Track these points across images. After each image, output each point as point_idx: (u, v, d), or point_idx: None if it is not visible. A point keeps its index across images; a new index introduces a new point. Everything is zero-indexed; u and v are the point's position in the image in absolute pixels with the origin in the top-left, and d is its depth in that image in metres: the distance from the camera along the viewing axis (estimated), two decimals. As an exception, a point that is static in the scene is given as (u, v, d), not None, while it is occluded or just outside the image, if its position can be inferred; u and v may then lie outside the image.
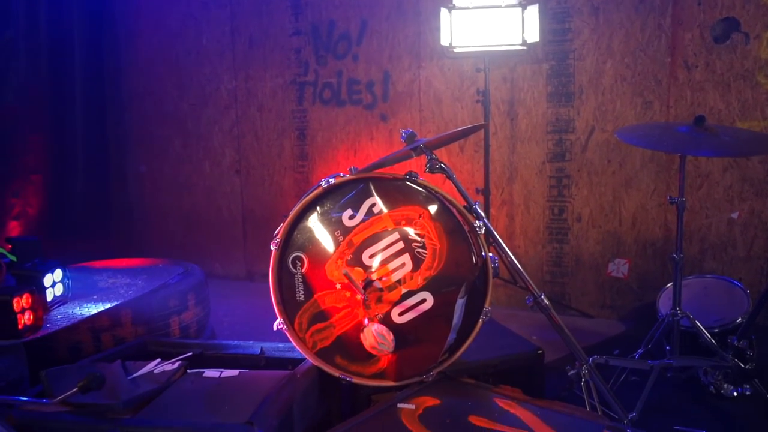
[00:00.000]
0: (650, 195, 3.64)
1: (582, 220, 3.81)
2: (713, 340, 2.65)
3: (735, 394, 2.66)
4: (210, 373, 2.13)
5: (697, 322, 2.68)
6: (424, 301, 2.08)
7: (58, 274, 2.71)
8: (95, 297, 2.79)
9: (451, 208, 2.11)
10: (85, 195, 4.90)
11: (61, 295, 2.73)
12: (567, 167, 3.82)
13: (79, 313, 2.59)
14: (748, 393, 2.65)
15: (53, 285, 2.67)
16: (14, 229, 4.51)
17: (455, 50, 3.52)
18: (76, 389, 1.66)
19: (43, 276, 2.59)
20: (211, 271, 4.62)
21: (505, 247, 2.20)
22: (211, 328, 3.29)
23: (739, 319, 2.76)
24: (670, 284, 2.90)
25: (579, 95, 3.74)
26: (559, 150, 3.83)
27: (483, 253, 2.12)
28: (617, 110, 3.66)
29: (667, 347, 2.74)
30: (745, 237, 3.45)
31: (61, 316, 2.53)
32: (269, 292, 2.16)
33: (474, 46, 3.49)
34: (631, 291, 3.74)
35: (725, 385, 2.68)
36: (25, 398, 1.78)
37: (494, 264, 2.16)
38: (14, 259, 2.70)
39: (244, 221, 4.86)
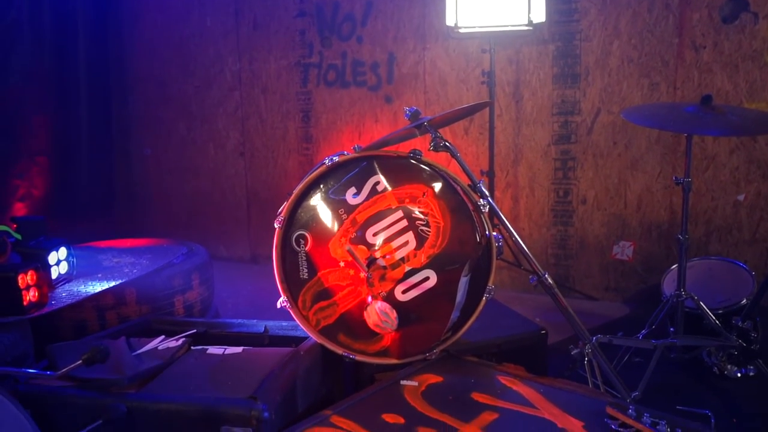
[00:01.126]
0: (656, 177, 3.62)
1: (587, 203, 3.80)
2: (717, 321, 2.64)
3: (739, 375, 2.66)
4: (214, 350, 2.14)
5: (701, 303, 2.67)
6: (427, 279, 2.08)
7: (63, 252, 2.72)
8: (100, 275, 2.80)
9: (455, 186, 2.10)
10: (89, 177, 4.91)
11: (65, 273, 2.74)
12: (572, 149, 3.80)
13: (83, 290, 2.60)
14: (752, 374, 2.65)
15: (58, 263, 2.69)
16: (20, 210, 4.52)
17: (460, 30, 3.49)
18: (80, 362, 1.67)
19: (48, 254, 2.60)
20: (215, 253, 4.63)
21: (509, 226, 2.19)
22: (215, 308, 3.30)
23: (744, 301, 2.75)
24: (674, 266, 2.89)
25: (585, 77, 3.71)
26: (564, 132, 3.80)
27: (487, 232, 2.12)
28: (624, 92, 3.63)
29: (671, 329, 2.73)
30: (751, 219, 3.43)
31: (65, 294, 2.54)
32: (273, 270, 2.16)
33: (479, 27, 3.46)
34: (635, 273, 3.73)
35: (729, 366, 2.68)
36: (29, 370, 1.79)
37: (498, 243, 2.16)
38: (19, 237, 2.71)
39: (249, 204, 4.86)
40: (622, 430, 1.57)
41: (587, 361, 2.18)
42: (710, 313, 2.65)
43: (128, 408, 1.74)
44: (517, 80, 3.87)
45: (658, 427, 1.48)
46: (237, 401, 1.71)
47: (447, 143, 2.19)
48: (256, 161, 4.79)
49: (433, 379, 1.97)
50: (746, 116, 2.55)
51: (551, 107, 3.81)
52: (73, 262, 2.78)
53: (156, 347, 2.12)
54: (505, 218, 2.22)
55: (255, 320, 2.47)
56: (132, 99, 5.14)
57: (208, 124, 4.90)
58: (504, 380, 1.94)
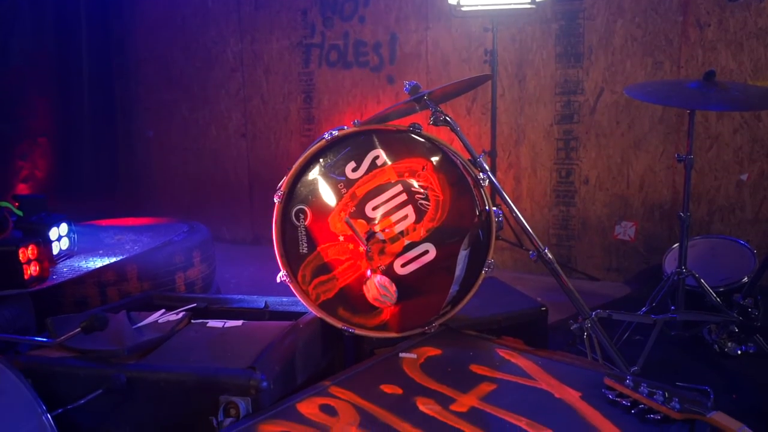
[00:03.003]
0: (659, 157, 3.60)
1: (589, 183, 3.79)
2: (718, 299, 2.64)
3: (739, 352, 2.66)
4: (214, 323, 2.14)
5: (702, 280, 2.66)
6: (426, 252, 2.08)
7: (64, 228, 2.73)
8: (101, 252, 2.81)
9: (455, 159, 2.09)
10: (92, 158, 4.92)
11: (67, 249, 2.75)
12: (575, 129, 3.78)
13: (84, 266, 2.62)
14: (752, 351, 2.65)
15: (59, 239, 2.69)
16: (23, 191, 4.54)
17: (462, 8, 3.46)
18: (78, 329, 1.67)
19: (49, 229, 2.61)
20: (218, 235, 4.64)
21: (509, 200, 2.18)
22: (217, 287, 3.31)
23: (745, 279, 2.75)
24: (676, 245, 2.88)
25: (588, 56, 3.69)
26: (567, 112, 3.78)
27: (487, 207, 2.11)
28: (627, 71, 3.60)
29: (672, 307, 2.73)
30: (754, 199, 3.41)
31: (66, 269, 2.55)
32: (272, 244, 2.16)
33: (482, 5, 3.44)
34: (637, 254, 3.73)
35: (729, 344, 2.68)
36: (28, 337, 1.80)
37: (498, 218, 2.15)
38: (20, 214, 2.72)
39: (251, 185, 4.86)
40: (619, 400, 1.57)
41: (586, 336, 2.18)
42: (711, 291, 2.64)
43: (128, 378, 1.75)
44: (520, 59, 3.85)
45: (655, 396, 1.49)
46: (236, 371, 1.72)
47: (447, 117, 2.18)
48: (258, 143, 4.79)
49: (432, 351, 1.98)
50: (749, 92, 2.53)
51: (554, 87, 3.79)
52: (74, 238, 2.78)
53: (156, 320, 2.13)
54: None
55: (256, 296, 2.48)
56: (134, 80, 5.13)
57: (210, 106, 4.90)
58: (503, 353, 1.94)
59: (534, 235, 2.19)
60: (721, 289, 2.73)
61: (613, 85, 3.64)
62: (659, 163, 3.60)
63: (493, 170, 3.76)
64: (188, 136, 5.00)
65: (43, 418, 1.67)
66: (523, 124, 3.89)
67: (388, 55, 4.23)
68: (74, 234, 2.78)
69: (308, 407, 1.67)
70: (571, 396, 1.66)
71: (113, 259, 2.69)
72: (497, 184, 2.16)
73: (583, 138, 3.76)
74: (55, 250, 2.66)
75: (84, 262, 2.68)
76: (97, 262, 2.66)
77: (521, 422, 1.54)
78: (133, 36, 5.08)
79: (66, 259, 2.71)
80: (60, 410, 1.69)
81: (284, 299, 2.41)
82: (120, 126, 5.22)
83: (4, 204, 2.67)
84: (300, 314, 2.24)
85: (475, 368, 1.85)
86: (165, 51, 4.96)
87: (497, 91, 3.78)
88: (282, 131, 4.68)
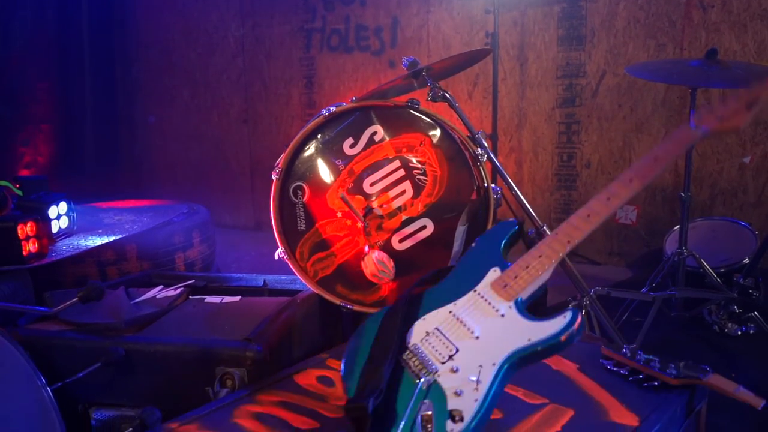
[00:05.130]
0: (661, 140, 3.58)
1: (591, 167, 3.77)
2: (719, 279, 2.63)
3: (739, 333, 2.65)
4: (211, 299, 2.15)
5: (702, 261, 2.65)
6: (424, 227, 2.07)
7: (63, 206, 2.73)
8: (100, 231, 2.82)
9: (453, 134, 2.08)
10: (94, 144, 4.93)
11: (66, 228, 2.75)
12: (577, 113, 3.76)
13: (84, 244, 2.62)
14: (752, 332, 2.64)
15: (58, 217, 2.70)
16: (25, 176, 4.55)
17: (464, -10, 3.45)
18: (75, 299, 1.68)
19: (48, 207, 2.61)
20: (219, 221, 4.64)
21: (508, 178, 2.17)
22: (217, 268, 3.31)
23: (746, 260, 2.74)
24: (677, 227, 2.87)
25: (591, 38, 3.66)
26: (569, 95, 3.76)
27: (485, 183, 2.10)
28: (629, 53, 3.58)
29: (672, 287, 2.72)
30: (757, 182, 3.39)
31: (66, 247, 2.56)
32: (270, 221, 2.16)
33: (483, -14, 3.42)
34: (639, 238, 3.71)
35: (729, 325, 2.67)
36: (26, 306, 1.80)
37: (497, 195, 2.14)
38: (20, 193, 2.72)
39: (252, 171, 4.86)
40: (617, 369, 1.56)
41: (585, 312, 2.18)
42: (711, 271, 2.63)
43: (126, 350, 1.76)
44: (522, 42, 3.83)
45: (651, 364, 1.48)
46: (232, 343, 1.72)
47: (446, 93, 2.17)
48: (259, 128, 4.78)
49: (430, 326, 1.97)
50: (751, 70, 2.51)
51: (556, 70, 3.77)
52: (73, 217, 2.79)
53: (154, 296, 2.13)
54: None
55: (254, 274, 2.48)
56: (135, 66, 5.13)
57: (212, 91, 4.89)
58: (500, 328, 1.94)
59: (533, 213, 2.19)
60: (722, 270, 2.72)
61: (616, 67, 3.62)
62: (661, 147, 3.57)
63: (495, 154, 3.73)
64: (189, 121, 5.00)
65: (43, 391, 1.68)
66: (525, 107, 3.88)
67: (389, 39, 4.21)
68: (73, 213, 2.79)
69: (305, 378, 1.67)
70: (569, 367, 1.66)
71: (113, 238, 2.69)
72: (496, 160, 2.15)
73: (585, 121, 3.74)
74: (54, 229, 2.67)
75: (83, 240, 2.69)
76: (97, 241, 2.67)
77: (518, 392, 1.54)
78: (135, 21, 5.07)
79: (65, 237, 2.72)
80: (59, 383, 1.70)
81: (283, 277, 2.40)
82: (121, 112, 5.22)
83: (4, 183, 2.67)
84: (298, 292, 2.24)
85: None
86: (166, 36, 4.96)
87: (499, 75, 3.76)
88: (283, 116, 4.67)
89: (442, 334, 1.35)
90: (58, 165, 4.73)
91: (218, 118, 4.91)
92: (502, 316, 1.33)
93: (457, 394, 1.22)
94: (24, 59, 4.54)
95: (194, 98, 4.96)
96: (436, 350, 1.32)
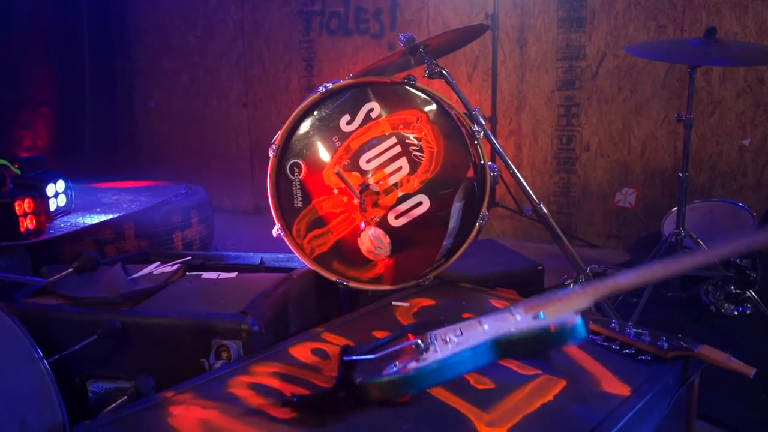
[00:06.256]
0: (661, 123, 3.57)
1: (590, 150, 3.76)
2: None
3: (735, 313, 2.66)
4: (208, 275, 2.15)
5: (700, 241, 2.65)
6: (420, 204, 2.07)
7: (61, 184, 2.73)
8: (98, 210, 2.82)
9: (450, 110, 2.07)
10: (93, 127, 4.93)
11: (64, 206, 2.76)
12: (576, 95, 3.75)
13: (82, 222, 2.62)
14: (748, 312, 2.65)
15: (56, 195, 2.70)
16: (24, 159, 4.54)
17: (463, -30, 3.42)
18: (71, 269, 1.68)
19: (46, 185, 2.62)
20: (219, 205, 4.65)
21: (504, 155, 2.17)
22: (215, 249, 3.32)
23: (744, 240, 2.73)
24: (675, 208, 2.86)
25: (591, 20, 3.64)
26: (569, 78, 3.75)
27: (482, 160, 2.10)
28: (630, 35, 3.56)
29: (670, 268, 2.72)
30: (756, 164, 3.38)
31: (63, 225, 2.56)
32: (267, 199, 2.16)
33: (483, -33, 3.40)
34: (637, 220, 3.71)
35: (726, 305, 2.67)
36: (23, 276, 1.80)
37: (494, 172, 2.14)
38: (18, 172, 2.73)
39: (252, 155, 4.86)
40: (607, 344, 1.57)
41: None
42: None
43: (122, 324, 1.76)
44: (522, 24, 3.81)
45: (642, 337, 1.49)
46: (228, 315, 1.72)
47: (443, 70, 2.16)
48: (259, 112, 4.77)
49: (426, 302, 1.98)
50: (750, 48, 2.50)
51: (556, 52, 3.75)
52: (71, 195, 2.79)
53: (151, 272, 2.14)
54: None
55: (252, 253, 2.48)
56: (135, 49, 5.11)
57: (211, 75, 4.88)
58: (496, 303, 1.94)
59: (530, 191, 2.18)
60: (720, 250, 2.71)
61: (616, 49, 3.60)
62: (661, 129, 3.57)
63: (494, 137, 3.73)
64: (189, 105, 4.99)
65: (40, 364, 1.69)
66: (525, 90, 3.86)
67: (389, 22, 4.19)
68: (71, 192, 2.79)
69: (300, 351, 1.68)
70: (561, 342, 1.66)
71: (110, 216, 2.69)
72: (492, 136, 2.14)
73: (585, 104, 3.73)
74: (52, 207, 2.67)
75: (81, 218, 2.69)
76: (95, 219, 2.67)
77: (511, 364, 1.54)
78: (134, 4, 5.05)
79: (63, 215, 2.72)
80: (56, 356, 1.71)
81: (280, 255, 2.41)
82: (121, 96, 5.22)
83: (2, 162, 2.67)
84: (295, 269, 2.25)
85: (467, 316, 1.85)
86: (165, 19, 4.94)
87: (498, 58, 3.75)
88: (283, 100, 4.66)
89: None
90: (58, 148, 4.73)
91: (217, 101, 4.90)
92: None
93: None
94: (23, 43, 4.53)
95: (193, 81, 4.95)
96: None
